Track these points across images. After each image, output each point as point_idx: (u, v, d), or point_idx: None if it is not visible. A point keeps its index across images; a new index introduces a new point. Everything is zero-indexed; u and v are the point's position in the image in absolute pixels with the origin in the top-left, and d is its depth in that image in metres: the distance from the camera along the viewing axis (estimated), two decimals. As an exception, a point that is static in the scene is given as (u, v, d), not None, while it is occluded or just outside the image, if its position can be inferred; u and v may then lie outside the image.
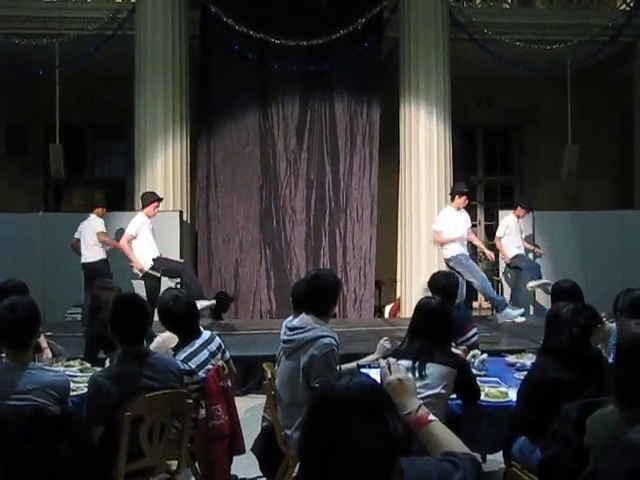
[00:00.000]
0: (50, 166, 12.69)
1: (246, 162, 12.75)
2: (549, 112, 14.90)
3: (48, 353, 5.46)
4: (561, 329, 4.18)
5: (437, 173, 12.20)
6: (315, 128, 12.84)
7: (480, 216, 16.06)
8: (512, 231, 11.86)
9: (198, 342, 4.75)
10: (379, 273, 13.24)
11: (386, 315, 13.46)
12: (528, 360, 5.44)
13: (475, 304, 14.68)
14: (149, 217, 10.27)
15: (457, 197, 10.75)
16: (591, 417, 3.05)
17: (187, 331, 4.80)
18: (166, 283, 9.83)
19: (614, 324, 5.24)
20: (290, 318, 4.87)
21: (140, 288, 9.67)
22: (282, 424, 4.69)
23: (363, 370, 4.27)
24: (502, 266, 12.53)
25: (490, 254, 11.36)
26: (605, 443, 2.83)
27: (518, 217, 12.01)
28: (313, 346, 4.47)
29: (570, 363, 4.06)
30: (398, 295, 13.19)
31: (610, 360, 4.36)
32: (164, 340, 4.95)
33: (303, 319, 4.64)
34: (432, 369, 4.16)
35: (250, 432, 5.17)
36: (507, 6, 13.82)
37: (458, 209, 10.71)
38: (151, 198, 10.33)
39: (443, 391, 4.16)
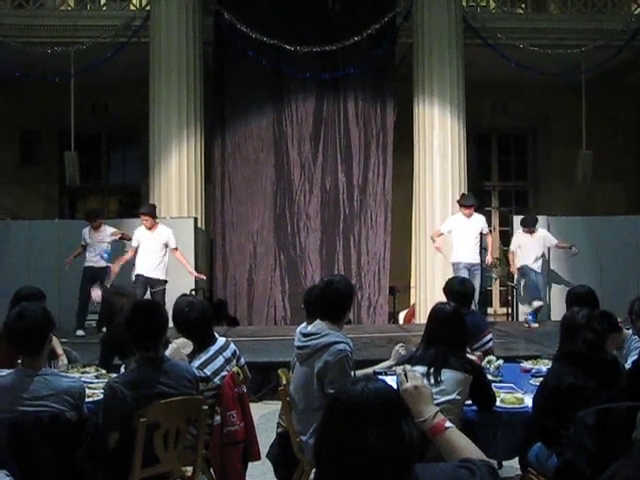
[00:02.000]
0: (65, 173, 12.76)
1: (260, 168, 12.77)
2: (563, 117, 14.86)
3: (64, 359, 5.48)
4: (576, 334, 4.16)
5: (452, 178, 12.20)
6: (329, 134, 12.85)
7: (495, 221, 16.01)
8: (523, 246, 11.75)
9: (213, 349, 4.75)
10: (393, 279, 13.23)
11: (400, 321, 13.43)
12: (544, 366, 5.42)
13: (490, 310, 14.68)
14: (148, 228, 10.68)
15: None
16: None
17: (202, 337, 4.80)
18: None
19: (630, 330, 5.22)
20: (304, 324, 4.87)
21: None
22: (297, 430, 4.68)
23: (380, 377, 4.26)
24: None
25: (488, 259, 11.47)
26: None
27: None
28: (327, 352, 4.46)
29: (586, 368, 4.04)
30: (412, 301, 13.16)
31: (627, 365, 4.34)
32: (179, 346, 4.95)
33: (317, 325, 4.63)
34: (447, 375, 4.14)
35: (265, 438, 5.16)
36: (521, 11, 13.79)
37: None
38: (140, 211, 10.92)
39: (458, 397, 4.15)
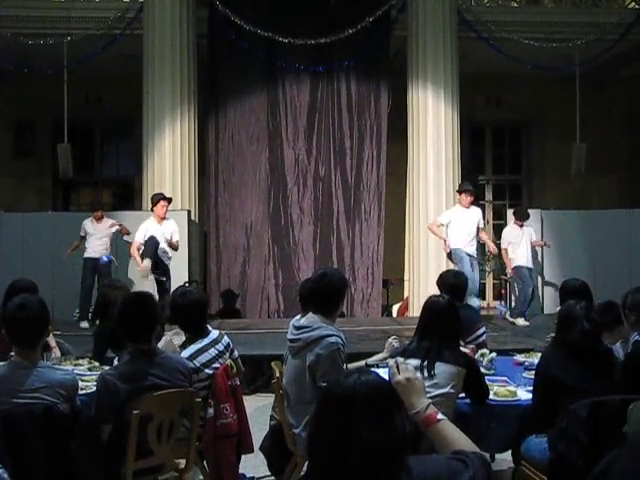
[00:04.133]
0: (58, 166, 12.72)
1: (254, 161, 12.76)
2: (558, 110, 14.85)
3: (57, 352, 5.46)
4: (573, 324, 4.18)
5: (445, 170, 12.19)
6: (323, 127, 12.84)
7: (488, 215, 16.03)
8: (515, 240, 11.68)
9: (206, 340, 4.75)
10: (387, 272, 13.24)
11: (394, 314, 13.44)
12: (536, 359, 5.43)
13: (483, 303, 14.69)
14: (161, 217, 10.48)
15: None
16: (636, 404, 3.01)
17: (194, 327, 4.80)
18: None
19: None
20: (297, 317, 4.87)
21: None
22: (290, 423, 4.69)
23: (372, 370, 4.26)
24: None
25: (492, 248, 11.32)
26: None
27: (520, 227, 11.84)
28: (319, 345, 4.47)
29: (579, 357, 4.07)
30: (406, 294, 13.17)
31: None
32: (172, 338, 4.95)
33: (310, 318, 4.64)
34: (441, 368, 4.14)
35: (258, 431, 5.17)
36: (515, 4, 13.78)
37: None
38: (157, 197, 10.61)
39: (452, 390, 4.15)
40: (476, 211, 11.01)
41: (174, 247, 10.61)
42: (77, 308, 11.36)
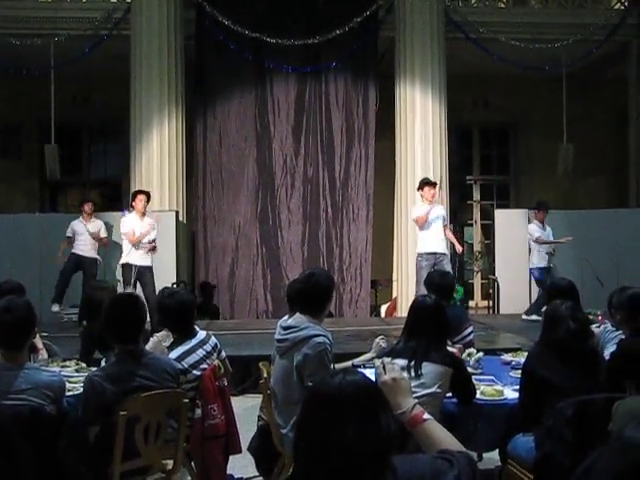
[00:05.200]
0: (46, 167, 12.68)
1: (242, 162, 12.75)
2: (545, 111, 14.91)
3: (44, 353, 5.44)
4: (559, 324, 4.20)
5: (433, 170, 12.20)
6: (311, 127, 12.84)
7: (476, 215, 16.07)
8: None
9: (193, 342, 4.74)
10: (375, 273, 13.25)
11: (382, 314, 13.45)
12: (524, 359, 5.45)
13: (471, 303, 14.74)
14: (142, 213, 10.51)
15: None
16: (621, 402, 3.01)
17: (181, 328, 4.80)
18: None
19: (601, 326, 5.26)
20: (285, 317, 4.87)
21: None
22: (277, 423, 4.69)
23: (358, 370, 4.27)
24: (498, 265, 12.55)
25: (459, 247, 11.29)
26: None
27: (542, 222, 11.91)
28: (306, 345, 4.47)
29: (565, 357, 4.09)
30: (394, 294, 13.19)
31: (607, 356, 4.38)
32: (160, 340, 4.94)
33: (297, 318, 4.64)
34: (428, 368, 4.15)
35: (246, 431, 5.17)
36: (502, 5, 13.83)
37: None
38: (135, 192, 10.81)
39: (439, 390, 4.16)
40: (440, 208, 10.91)
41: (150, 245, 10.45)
42: (65, 310, 11.36)
